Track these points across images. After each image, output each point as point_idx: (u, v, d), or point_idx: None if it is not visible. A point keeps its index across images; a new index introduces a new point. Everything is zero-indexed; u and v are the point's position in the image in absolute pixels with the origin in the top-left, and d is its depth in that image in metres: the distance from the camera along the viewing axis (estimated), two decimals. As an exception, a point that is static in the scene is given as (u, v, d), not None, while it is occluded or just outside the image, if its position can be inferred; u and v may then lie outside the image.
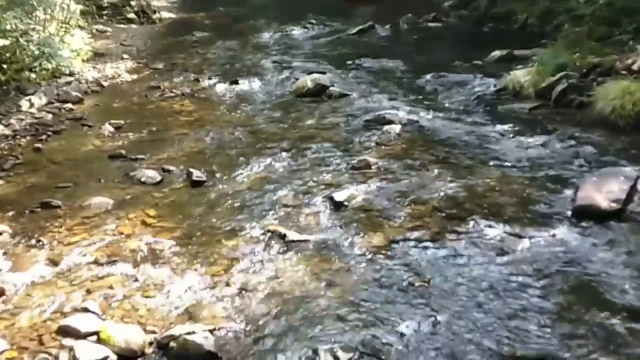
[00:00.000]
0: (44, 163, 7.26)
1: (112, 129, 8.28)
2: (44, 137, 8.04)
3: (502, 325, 4.04)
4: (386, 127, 7.73)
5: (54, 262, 5.01)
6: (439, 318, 4.14)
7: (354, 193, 6.00)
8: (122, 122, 8.53)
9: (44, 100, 9.32)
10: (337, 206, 5.82)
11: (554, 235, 5.12)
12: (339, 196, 5.92)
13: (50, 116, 8.85)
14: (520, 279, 4.57)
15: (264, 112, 9.02)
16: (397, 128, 7.69)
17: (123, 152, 7.42)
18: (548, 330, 3.95)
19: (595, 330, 3.94)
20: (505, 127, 7.72)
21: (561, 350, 3.77)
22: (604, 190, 5.51)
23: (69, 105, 9.33)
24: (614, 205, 5.36)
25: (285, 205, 5.93)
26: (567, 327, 3.99)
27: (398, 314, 4.22)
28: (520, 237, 5.12)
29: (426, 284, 4.57)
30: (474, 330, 4.00)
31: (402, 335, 4.00)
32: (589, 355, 3.68)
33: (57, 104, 9.32)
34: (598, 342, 3.83)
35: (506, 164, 6.62)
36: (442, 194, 5.94)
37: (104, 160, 7.30)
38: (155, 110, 9.28)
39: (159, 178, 6.66)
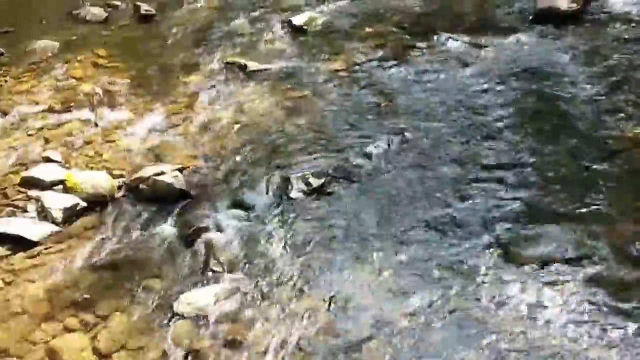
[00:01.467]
0: (-24, 8, 6.40)
1: (44, -36, 7.24)
2: (-29, -21, 7.01)
3: (470, 137, 3.83)
4: (340, -59, 6.92)
5: (5, 113, 4.55)
6: (407, 135, 3.91)
7: (312, 16, 5.49)
8: (53, -45, 7.45)
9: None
10: (297, 31, 5.34)
11: (515, 42, 4.83)
12: (298, 20, 5.42)
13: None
14: (484, 87, 4.31)
15: None
16: (351, -58, 6.88)
17: (61, -12, 6.55)
18: (515, 138, 3.77)
19: (559, 133, 3.77)
20: None
21: (528, 157, 3.61)
22: (564, -8, 5.13)
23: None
24: (573, 5, 5.02)
25: (243, 35, 5.42)
26: (533, 134, 3.80)
27: (366, 135, 3.98)
28: (482, 46, 4.81)
29: (391, 103, 4.29)
30: (442, 145, 3.80)
31: (370, 156, 3.78)
32: (556, 164, 3.53)
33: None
34: (561, 146, 3.67)
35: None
36: (401, 9, 5.47)
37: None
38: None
39: (104, 15, 6.00)
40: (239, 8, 5.84)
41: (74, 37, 5.62)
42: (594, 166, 3.45)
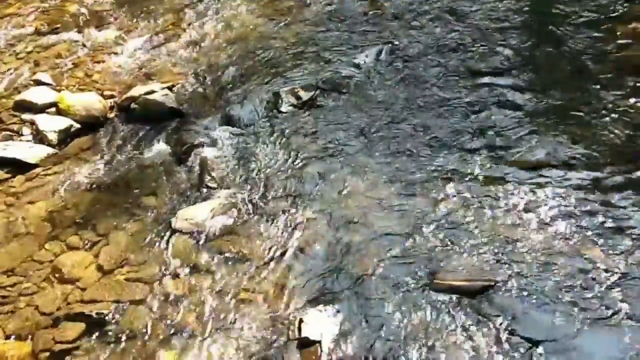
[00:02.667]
0: None
1: None
2: None
3: (460, 44, 3.62)
4: None
5: (-8, 38, 4.26)
6: (396, 44, 3.68)
7: None
8: None
9: None
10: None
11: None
12: None
13: None
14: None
15: None
16: None
17: None
18: (507, 43, 3.54)
19: (552, 36, 3.54)
20: None
21: (520, 62, 3.40)
22: None
23: None
24: None
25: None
26: (524, 38, 3.57)
27: (355, 46, 3.75)
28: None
29: (380, 11, 4.01)
30: (431, 53, 3.58)
31: (359, 66, 3.57)
32: (549, 68, 3.33)
33: None
34: (554, 49, 3.45)
35: None
36: None
37: None
38: None
39: None
40: None
41: (56, -44, 5.17)
42: (587, 67, 3.26)
